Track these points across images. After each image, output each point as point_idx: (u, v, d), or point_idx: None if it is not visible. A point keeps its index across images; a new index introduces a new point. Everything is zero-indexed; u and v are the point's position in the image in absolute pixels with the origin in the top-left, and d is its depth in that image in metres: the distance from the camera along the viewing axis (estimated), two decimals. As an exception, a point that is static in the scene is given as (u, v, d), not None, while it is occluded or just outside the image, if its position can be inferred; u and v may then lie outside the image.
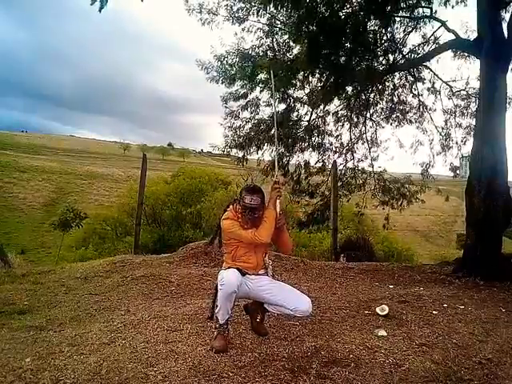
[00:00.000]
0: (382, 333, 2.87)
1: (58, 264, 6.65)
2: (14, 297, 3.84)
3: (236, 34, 7.09)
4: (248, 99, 7.43)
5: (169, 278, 4.28)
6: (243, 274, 2.63)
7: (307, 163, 8.08)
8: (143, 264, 4.88)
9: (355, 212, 8.56)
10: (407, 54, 7.14)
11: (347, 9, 6.28)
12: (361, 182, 8.14)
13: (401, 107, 7.93)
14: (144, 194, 6.92)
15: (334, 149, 8.14)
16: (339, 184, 7.52)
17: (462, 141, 7.85)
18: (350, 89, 7.53)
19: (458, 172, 8.15)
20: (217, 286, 2.61)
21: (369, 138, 8.07)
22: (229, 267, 2.64)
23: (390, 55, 7.02)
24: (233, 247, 2.71)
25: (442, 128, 7.95)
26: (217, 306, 2.58)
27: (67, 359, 2.39)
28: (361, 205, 8.41)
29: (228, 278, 2.51)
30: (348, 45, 6.41)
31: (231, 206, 2.78)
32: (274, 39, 7.07)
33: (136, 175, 8.00)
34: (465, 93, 7.60)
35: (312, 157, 8.10)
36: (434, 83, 7.62)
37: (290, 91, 7.48)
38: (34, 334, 2.85)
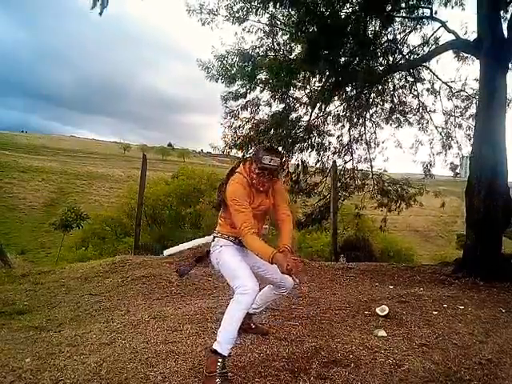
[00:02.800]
0: (382, 333, 2.87)
1: (58, 264, 6.65)
2: (14, 297, 3.84)
3: (236, 34, 7.09)
4: (248, 99, 7.43)
5: (169, 278, 4.27)
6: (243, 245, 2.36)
7: (306, 164, 8.07)
8: (143, 264, 4.87)
9: (354, 213, 8.55)
10: (407, 54, 7.14)
11: (347, 9, 6.29)
12: (360, 182, 8.14)
13: (400, 108, 7.93)
14: (144, 195, 6.92)
15: (333, 149, 8.13)
16: (338, 185, 7.51)
17: (462, 141, 7.86)
18: (349, 89, 7.52)
19: (457, 171, 8.13)
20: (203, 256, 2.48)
21: (368, 139, 8.08)
22: (225, 235, 2.40)
23: (389, 55, 7.02)
24: None
25: (442, 128, 7.96)
26: (225, 327, 2.13)
27: (67, 359, 2.39)
28: (359, 206, 8.41)
29: (251, 284, 2.13)
30: (348, 45, 6.41)
31: (242, 166, 2.40)
32: (275, 39, 7.06)
33: (136, 175, 7.99)
34: (464, 93, 7.61)
35: (311, 157, 8.09)
36: (433, 84, 7.64)
37: (290, 91, 7.47)
38: (34, 334, 2.85)
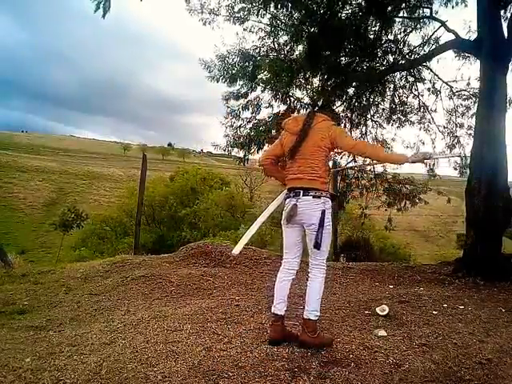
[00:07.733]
0: (382, 333, 2.86)
1: (58, 264, 6.66)
2: (14, 297, 3.84)
3: (237, 33, 7.09)
4: (249, 99, 7.41)
5: (169, 278, 4.27)
6: None
7: None
8: (143, 264, 4.88)
9: (358, 214, 8.56)
10: (407, 54, 7.13)
11: (347, 10, 6.28)
12: (362, 182, 8.15)
13: (402, 108, 7.93)
14: (144, 195, 6.92)
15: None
16: (341, 185, 7.51)
17: (463, 141, 7.86)
18: (350, 90, 7.51)
19: (464, 170, 8.09)
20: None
21: (370, 139, 8.07)
22: (329, 193, 2.46)
23: (390, 56, 7.02)
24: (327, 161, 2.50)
25: (444, 127, 7.97)
26: (318, 299, 2.54)
27: (67, 359, 2.39)
28: (363, 206, 8.42)
29: None
30: (348, 46, 6.41)
31: (322, 115, 2.58)
32: (276, 39, 7.05)
33: (136, 175, 8.01)
34: (465, 93, 7.61)
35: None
36: (434, 83, 7.64)
37: (291, 91, 7.45)
38: (34, 334, 2.85)
